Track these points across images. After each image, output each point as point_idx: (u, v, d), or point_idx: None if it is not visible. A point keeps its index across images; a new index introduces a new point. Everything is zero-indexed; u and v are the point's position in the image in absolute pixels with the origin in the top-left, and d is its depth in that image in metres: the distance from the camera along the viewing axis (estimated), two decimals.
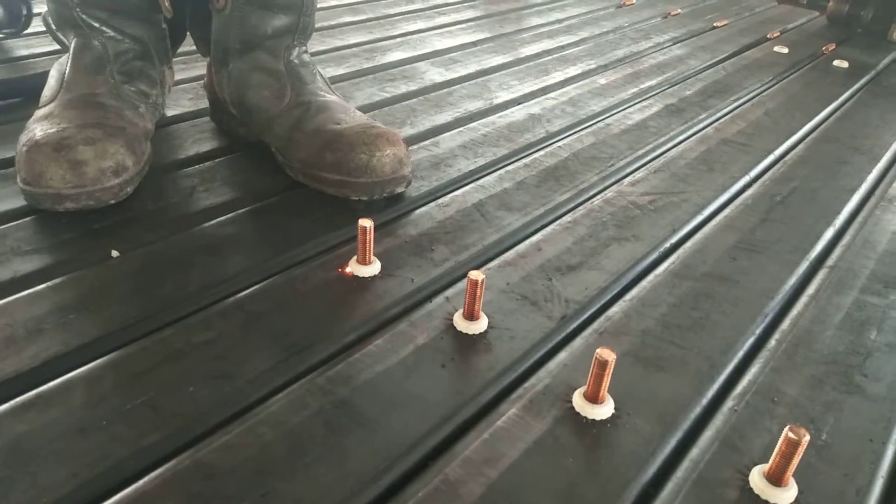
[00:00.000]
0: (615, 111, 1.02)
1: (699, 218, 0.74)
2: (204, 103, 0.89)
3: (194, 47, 0.91)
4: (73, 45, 0.73)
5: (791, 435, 0.40)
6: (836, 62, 1.32)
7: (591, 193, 0.78)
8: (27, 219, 0.64)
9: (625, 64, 1.24)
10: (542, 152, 0.87)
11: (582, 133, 0.93)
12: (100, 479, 0.40)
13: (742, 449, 0.46)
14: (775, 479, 0.42)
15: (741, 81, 1.19)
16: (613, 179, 0.81)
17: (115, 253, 0.60)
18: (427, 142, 0.86)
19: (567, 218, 0.72)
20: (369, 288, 0.59)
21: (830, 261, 0.69)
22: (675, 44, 1.38)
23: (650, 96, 1.09)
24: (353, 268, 0.60)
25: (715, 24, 1.54)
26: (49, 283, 0.56)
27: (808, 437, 0.40)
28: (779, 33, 1.51)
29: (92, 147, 0.62)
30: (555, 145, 0.89)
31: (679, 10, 1.63)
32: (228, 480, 0.41)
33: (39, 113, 0.69)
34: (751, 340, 0.57)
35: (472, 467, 0.43)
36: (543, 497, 0.41)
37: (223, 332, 0.52)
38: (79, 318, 0.52)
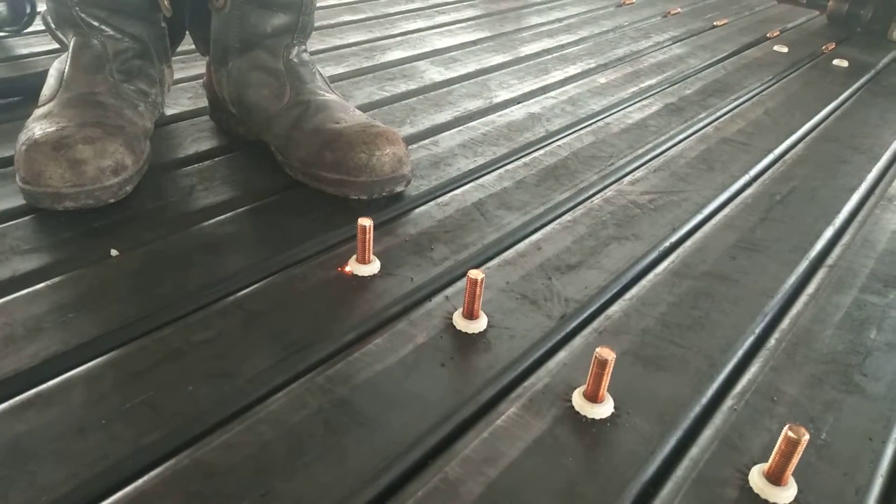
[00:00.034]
0: (615, 110, 1.02)
1: (699, 217, 0.74)
2: (203, 102, 0.89)
3: (193, 46, 0.91)
4: (72, 44, 0.73)
5: (790, 434, 0.40)
6: (835, 61, 1.32)
7: (591, 192, 0.78)
8: (26, 218, 0.64)
9: (624, 63, 1.24)
10: (541, 151, 0.87)
11: (582, 132, 0.93)
12: (99, 478, 0.40)
13: (742, 448, 0.46)
14: (775, 478, 0.42)
15: (741, 80, 1.18)
16: (613, 178, 0.81)
17: (114, 252, 0.60)
18: (427, 141, 0.86)
19: (567, 217, 0.72)
20: (369, 287, 0.59)
21: (830, 260, 0.69)
22: (674, 43, 1.38)
23: (650, 95, 1.09)
24: (353, 267, 0.60)
25: (715, 24, 1.54)
26: (48, 282, 0.56)
27: (807, 437, 0.40)
28: (778, 32, 1.51)
29: (91, 146, 0.62)
30: (554, 144, 0.89)
31: (679, 9, 1.63)
32: (228, 479, 0.41)
33: (39, 112, 0.69)
34: (750, 339, 0.57)
35: (472, 466, 0.43)
36: (543, 496, 0.41)
37: (223, 331, 0.52)
38: (78, 317, 0.52)
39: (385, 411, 0.46)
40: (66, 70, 0.72)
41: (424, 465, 0.43)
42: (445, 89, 1.04)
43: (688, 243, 0.69)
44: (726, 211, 0.76)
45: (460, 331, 0.54)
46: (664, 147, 0.91)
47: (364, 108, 0.91)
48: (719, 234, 0.71)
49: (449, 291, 0.59)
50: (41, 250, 0.60)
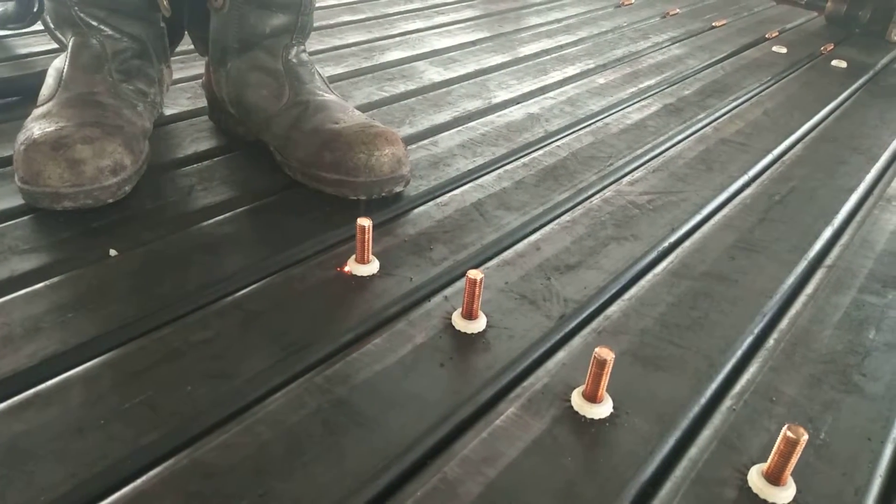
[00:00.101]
0: (614, 111, 1.02)
1: (698, 217, 0.74)
2: (202, 102, 0.89)
3: (192, 46, 0.91)
4: (71, 44, 0.73)
5: (789, 434, 0.40)
6: (834, 62, 1.32)
7: (590, 193, 0.78)
8: (25, 217, 0.64)
9: (623, 63, 1.24)
10: (540, 152, 0.87)
11: (580, 132, 0.93)
12: (98, 478, 0.40)
13: (740, 448, 0.46)
14: (774, 478, 0.42)
15: (740, 81, 1.19)
16: (612, 179, 0.81)
17: (113, 252, 0.60)
18: (426, 141, 0.86)
19: (566, 217, 0.72)
20: (368, 287, 0.59)
21: (829, 260, 0.69)
22: (673, 43, 1.38)
23: (649, 96, 1.09)
24: (352, 267, 0.60)
25: (713, 24, 1.54)
26: (47, 282, 0.56)
27: (806, 437, 0.40)
28: (777, 33, 1.51)
29: (90, 146, 0.62)
30: (553, 145, 0.89)
31: (678, 10, 1.63)
32: (227, 479, 0.41)
33: (37, 112, 0.69)
34: (749, 340, 0.57)
35: (471, 466, 0.43)
36: (542, 496, 0.41)
37: (221, 331, 0.52)
38: (77, 317, 0.52)
39: (384, 411, 0.46)
40: (64, 70, 0.72)
41: (423, 466, 0.43)
42: (444, 90, 1.04)
43: (687, 244, 0.69)
44: (725, 211, 0.76)
45: (459, 331, 0.54)
46: (663, 147, 0.91)
47: (363, 108, 0.91)
48: (718, 234, 0.71)
49: (448, 291, 0.59)
50: (40, 250, 0.60)
